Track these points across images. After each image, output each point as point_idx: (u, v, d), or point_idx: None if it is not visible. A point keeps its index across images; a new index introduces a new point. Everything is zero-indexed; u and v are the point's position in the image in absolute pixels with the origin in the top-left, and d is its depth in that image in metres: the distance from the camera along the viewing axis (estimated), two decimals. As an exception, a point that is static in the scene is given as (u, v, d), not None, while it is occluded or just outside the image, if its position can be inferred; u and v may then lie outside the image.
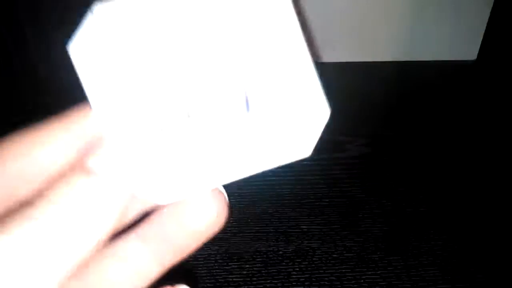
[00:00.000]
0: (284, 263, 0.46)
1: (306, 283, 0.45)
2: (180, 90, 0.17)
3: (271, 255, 0.47)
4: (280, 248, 0.47)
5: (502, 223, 0.50)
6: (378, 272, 0.46)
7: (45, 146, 0.16)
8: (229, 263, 0.46)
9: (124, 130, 0.16)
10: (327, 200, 0.50)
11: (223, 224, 0.17)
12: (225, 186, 0.18)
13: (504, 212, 0.51)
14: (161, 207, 0.17)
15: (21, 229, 0.13)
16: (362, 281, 0.46)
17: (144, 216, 0.18)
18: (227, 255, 0.46)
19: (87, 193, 0.14)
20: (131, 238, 0.18)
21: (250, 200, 0.49)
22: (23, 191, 0.16)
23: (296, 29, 0.17)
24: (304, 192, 0.50)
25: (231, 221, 0.46)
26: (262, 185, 0.50)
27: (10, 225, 0.13)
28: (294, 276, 0.46)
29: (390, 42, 0.56)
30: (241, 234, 0.47)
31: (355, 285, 0.45)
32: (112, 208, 0.15)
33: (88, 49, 0.16)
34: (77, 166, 0.15)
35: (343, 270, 0.46)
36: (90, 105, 0.16)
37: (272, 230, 0.48)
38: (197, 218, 0.17)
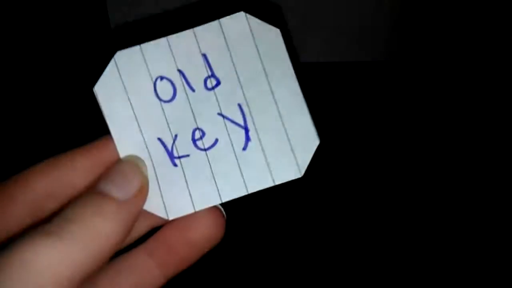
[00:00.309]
0: (284, 263, 0.47)
1: (307, 283, 0.46)
2: (188, 123, 0.20)
3: (271, 255, 0.47)
4: (280, 248, 0.48)
5: (501, 222, 0.50)
6: (379, 271, 0.47)
7: (71, 171, 0.19)
8: (229, 263, 0.47)
9: (139, 157, 0.19)
10: (326, 199, 0.51)
11: (221, 237, 0.20)
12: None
13: (504, 211, 0.51)
14: (167, 223, 0.20)
15: (41, 241, 0.15)
16: (362, 280, 0.47)
17: (151, 232, 0.20)
18: (227, 255, 0.46)
19: (99, 211, 0.17)
20: (139, 252, 0.20)
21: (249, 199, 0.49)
22: (50, 207, 0.19)
23: (288, 66, 0.20)
24: (303, 192, 0.50)
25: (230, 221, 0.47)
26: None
27: (32, 239, 0.15)
28: (295, 276, 0.47)
29: (384, 41, 0.56)
30: (240, 234, 0.48)
31: (355, 285, 0.47)
32: (122, 225, 0.17)
33: (110, 90, 0.19)
34: (92, 189, 0.18)
35: (344, 270, 0.47)
36: (110, 138, 0.19)
37: (272, 230, 0.49)
38: (199, 232, 0.19)
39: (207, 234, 0.20)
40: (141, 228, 0.20)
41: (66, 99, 0.45)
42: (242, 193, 0.20)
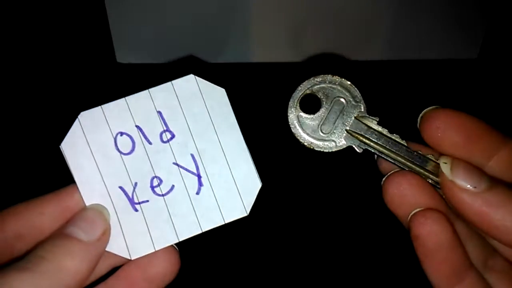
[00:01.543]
0: (284, 261, 0.48)
1: (307, 282, 0.47)
2: (147, 172, 0.22)
3: (271, 253, 0.48)
4: (280, 247, 0.48)
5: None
6: (380, 270, 0.47)
7: (39, 215, 0.21)
8: (230, 263, 0.47)
9: (102, 204, 0.22)
10: (327, 199, 0.50)
11: (177, 271, 0.22)
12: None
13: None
14: (128, 261, 0.22)
15: (17, 275, 0.18)
16: (363, 279, 0.47)
17: (112, 271, 0.23)
18: (227, 255, 0.47)
19: (68, 251, 0.19)
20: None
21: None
22: (18, 248, 0.21)
23: (232, 120, 0.22)
24: (303, 192, 0.51)
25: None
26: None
27: (7, 273, 0.18)
28: (295, 276, 0.47)
29: (388, 40, 0.56)
30: (240, 233, 0.47)
31: (356, 284, 0.47)
32: (86, 263, 0.20)
33: (75, 146, 0.22)
34: (60, 231, 0.20)
35: (344, 269, 0.47)
36: (76, 186, 0.22)
37: (271, 229, 0.49)
38: (157, 269, 0.22)
39: (165, 270, 0.22)
40: (104, 267, 0.22)
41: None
42: (197, 232, 0.22)
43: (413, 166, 0.22)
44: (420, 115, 0.21)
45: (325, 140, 0.23)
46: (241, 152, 0.22)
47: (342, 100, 0.23)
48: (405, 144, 0.22)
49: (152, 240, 0.22)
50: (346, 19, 0.54)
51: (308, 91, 0.23)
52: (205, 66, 0.52)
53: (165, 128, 0.22)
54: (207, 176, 0.22)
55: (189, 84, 0.22)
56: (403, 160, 0.22)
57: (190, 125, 0.22)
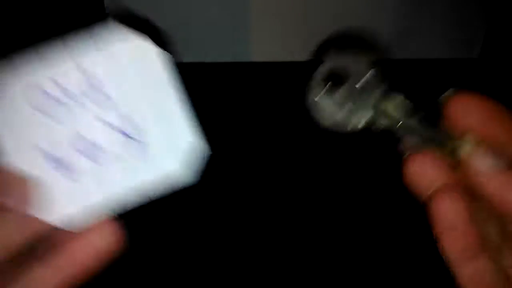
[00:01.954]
0: (282, 260, 0.47)
1: (305, 281, 0.47)
2: (79, 137, 0.21)
3: (270, 252, 0.47)
4: (278, 245, 0.48)
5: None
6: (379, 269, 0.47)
7: None
8: (229, 261, 0.47)
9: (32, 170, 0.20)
10: (326, 198, 0.50)
11: (122, 244, 0.21)
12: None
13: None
14: (67, 233, 0.21)
15: None
16: (362, 278, 0.47)
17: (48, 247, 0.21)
18: (228, 252, 0.47)
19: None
20: (34, 265, 0.20)
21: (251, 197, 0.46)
22: None
23: (171, 81, 0.21)
24: (303, 192, 0.50)
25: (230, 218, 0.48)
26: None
27: None
28: (292, 275, 0.47)
29: (388, 40, 0.55)
30: (238, 231, 0.47)
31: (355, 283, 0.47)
32: (15, 233, 0.19)
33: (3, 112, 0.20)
34: None
35: (343, 269, 0.47)
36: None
37: (269, 227, 0.48)
38: (99, 240, 0.21)
39: (106, 241, 0.21)
40: (33, 236, 0.21)
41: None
42: (140, 201, 0.21)
43: (435, 144, 0.22)
44: (443, 95, 0.22)
45: (346, 120, 0.23)
46: (181, 120, 0.21)
47: (364, 79, 0.23)
48: (428, 122, 0.22)
49: (89, 210, 0.21)
50: (346, 19, 0.54)
51: (329, 71, 0.23)
52: (205, 65, 0.52)
53: (99, 90, 0.21)
54: (147, 139, 0.21)
55: (125, 43, 0.21)
56: (425, 138, 0.22)
57: (129, 87, 0.21)
